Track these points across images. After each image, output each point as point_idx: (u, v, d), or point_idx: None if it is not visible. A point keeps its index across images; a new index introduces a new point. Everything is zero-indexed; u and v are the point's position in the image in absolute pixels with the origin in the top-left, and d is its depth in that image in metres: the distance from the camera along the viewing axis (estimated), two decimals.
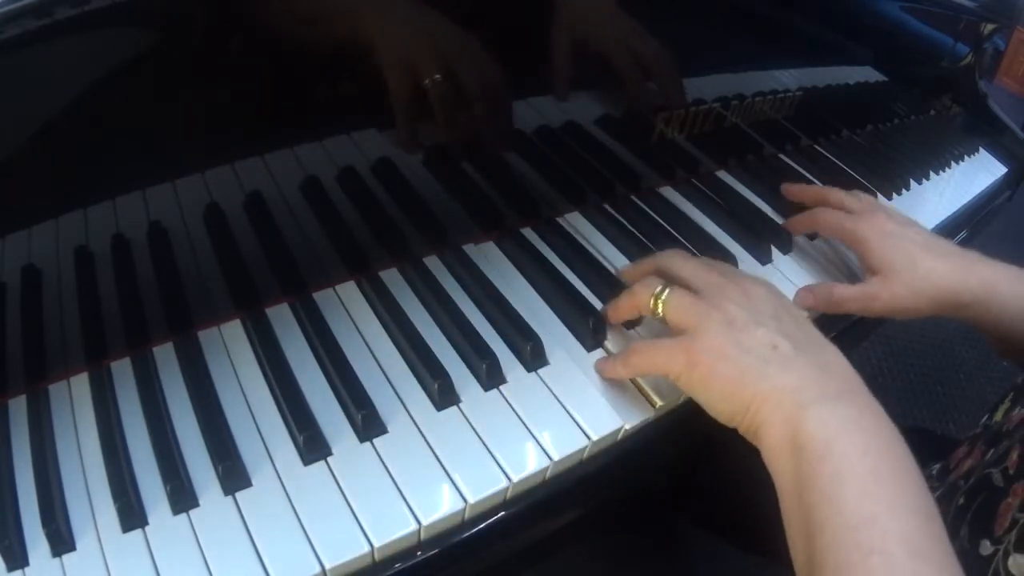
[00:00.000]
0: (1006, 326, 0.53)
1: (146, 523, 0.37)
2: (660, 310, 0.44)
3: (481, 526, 0.40)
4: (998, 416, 0.52)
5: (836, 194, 0.62)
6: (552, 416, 0.44)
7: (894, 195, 0.79)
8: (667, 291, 0.44)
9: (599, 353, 0.49)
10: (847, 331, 0.61)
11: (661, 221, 0.63)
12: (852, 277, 0.62)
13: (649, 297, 0.44)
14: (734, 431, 0.41)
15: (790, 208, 0.68)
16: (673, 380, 0.42)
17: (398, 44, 0.46)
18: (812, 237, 0.67)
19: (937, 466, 0.56)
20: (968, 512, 0.44)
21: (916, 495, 0.35)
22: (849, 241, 0.58)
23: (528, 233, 0.58)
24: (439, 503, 0.39)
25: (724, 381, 0.40)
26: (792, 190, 0.66)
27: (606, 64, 0.57)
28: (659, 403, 0.46)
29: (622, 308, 0.48)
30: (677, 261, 0.48)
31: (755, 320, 0.41)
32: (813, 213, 0.61)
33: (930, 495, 0.35)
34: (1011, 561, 0.39)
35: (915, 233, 0.56)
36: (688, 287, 0.45)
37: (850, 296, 0.54)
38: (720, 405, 0.40)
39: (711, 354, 0.40)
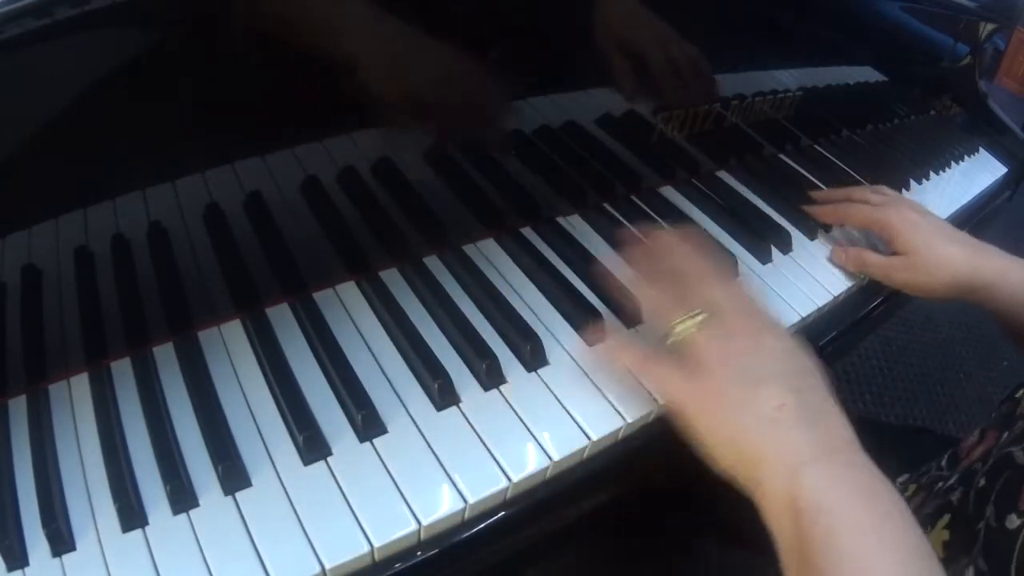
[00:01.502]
0: (1015, 313, 0.57)
1: (146, 523, 0.37)
2: (682, 331, 0.44)
3: (481, 526, 0.40)
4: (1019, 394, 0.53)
5: (859, 191, 0.68)
6: (552, 416, 0.44)
7: None
8: (700, 318, 0.44)
9: (600, 351, 0.49)
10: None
11: (661, 221, 0.63)
12: (850, 276, 0.63)
13: (680, 316, 0.44)
14: None
15: (790, 208, 0.68)
16: (674, 412, 0.43)
17: (399, 46, 0.46)
18: (813, 237, 0.67)
19: (945, 458, 0.57)
20: (992, 492, 0.45)
21: (910, 540, 0.36)
22: (876, 228, 0.63)
23: (528, 233, 0.58)
24: (439, 503, 0.39)
25: (730, 432, 0.41)
26: (821, 211, 0.67)
27: (611, 63, 0.57)
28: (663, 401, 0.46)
29: (644, 301, 0.49)
30: (709, 286, 0.46)
31: (766, 379, 0.42)
32: (840, 207, 0.66)
33: (924, 537, 0.36)
34: None
35: (934, 221, 0.62)
36: (712, 311, 0.44)
37: (876, 262, 0.61)
38: (720, 452, 0.41)
39: (722, 404, 0.41)
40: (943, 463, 0.57)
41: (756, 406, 0.40)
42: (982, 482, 0.46)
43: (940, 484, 0.52)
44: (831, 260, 0.64)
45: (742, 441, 0.40)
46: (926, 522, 0.49)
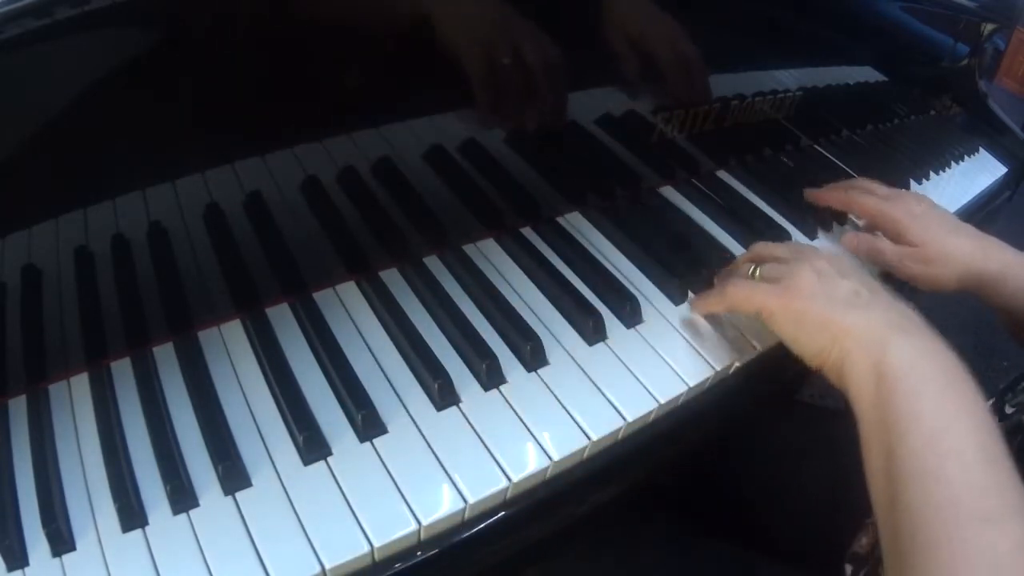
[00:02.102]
0: (1018, 308, 0.58)
1: (146, 523, 0.37)
2: (757, 271, 0.50)
3: (481, 526, 0.40)
4: None
5: (865, 181, 0.68)
6: (552, 416, 0.44)
7: None
8: (764, 267, 0.50)
9: (600, 350, 0.49)
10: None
11: (661, 221, 0.63)
12: None
13: (748, 268, 0.50)
14: (730, 436, 0.42)
15: (790, 208, 0.68)
16: (765, 318, 0.48)
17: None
18: (813, 237, 0.67)
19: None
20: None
21: (980, 410, 0.39)
22: (883, 221, 0.63)
23: (528, 233, 0.58)
24: (439, 503, 0.39)
25: (814, 318, 0.45)
26: (826, 194, 0.67)
27: (612, 62, 0.57)
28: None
29: (716, 300, 0.52)
30: (766, 245, 0.54)
31: (840, 273, 0.47)
32: (847, 194, 0.66)
33: (989, 413, 0.39)
34: None
35: (942, 214, 0.63)
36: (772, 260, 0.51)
37: (889, 252, 0.61)
38: (809, 340, 0.45)
39: (804, 295, 0.46)
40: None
41: (838, 293, 0.46)
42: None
43: None
44: (842, 245, 0.64)
45: (828, 321, 0.44)
46: None
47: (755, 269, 0.50)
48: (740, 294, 0.49)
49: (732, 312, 0.53)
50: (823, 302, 0.45)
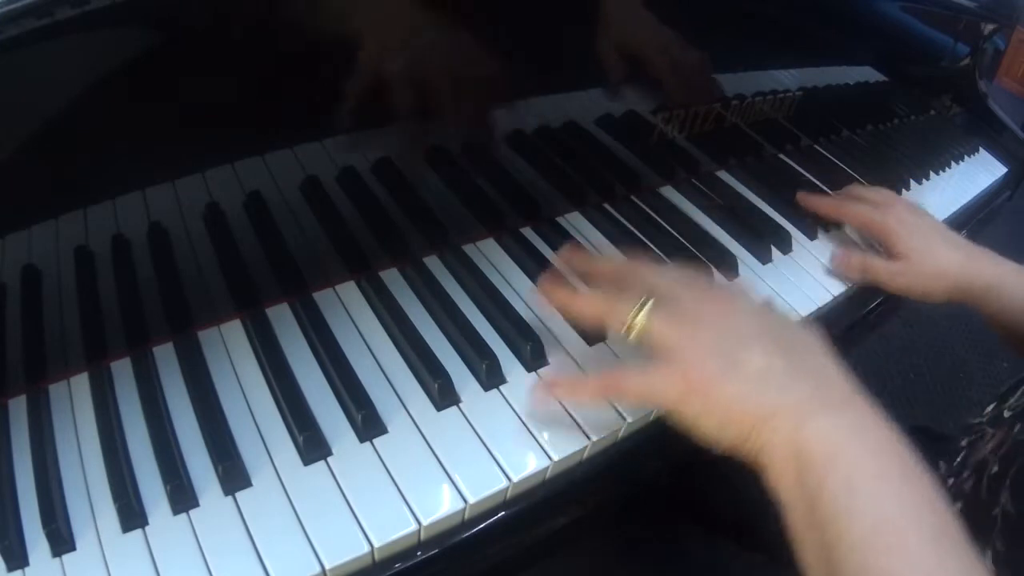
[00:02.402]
0: (1012, 318, 0.57)
1: (146, 523, 0.37)
2: (638, 326, 0.41)
3: (481, 526, 0.40)
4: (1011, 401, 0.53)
5: (859, 189, 0.68)
6: (553, 416, 0.44)
7: None
8: (648, 306, 0.41)
9: (600, 350, 0.49)
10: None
11: (661, 221, 0.63)
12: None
13: (629, 309, 0.41)
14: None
15: (790, 208, 0.68)
16: (666, 411, 0.41)
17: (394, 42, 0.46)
18: (813, 237, 0.67)
19: (943, 464, 0.57)
20: (1005, 478, 0.45)
21: (925, 490, 0.35)
22: (874, 230, 0.63)
23: (528, 233, 0.58)
24: (439, 503, 0.39)
25: (722, 409, 0.38)
26: (820, 203, 0.67)
27: (612, 62, 0.57)
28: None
29: (585, 310, 0.45)
30: (648, 273, 0.44)
31: (744, 342, 0.39)
32: (839, 203, 0.66)
33: (937, 487, 0.35)
34: None
35: (932, 224, 0.62)
36: (658, 294, 0.42)
37: (879, 268, 0.60)
38: (719, 433, 0.39)
39: (706, 382, 0.38)
40: (940, 468, 0.57)
41: (741, 373, 0.38)
42: (995, 468, 0.47)
43: (952, 480, 0.52)
44: (832, 268, 0.63)
45: (737, 412, 0.38)
46: None
47: (643, 305, 0.41)
48: (632, 389, 0.41)
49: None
50: (729, 390, 0.38)
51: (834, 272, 0.63)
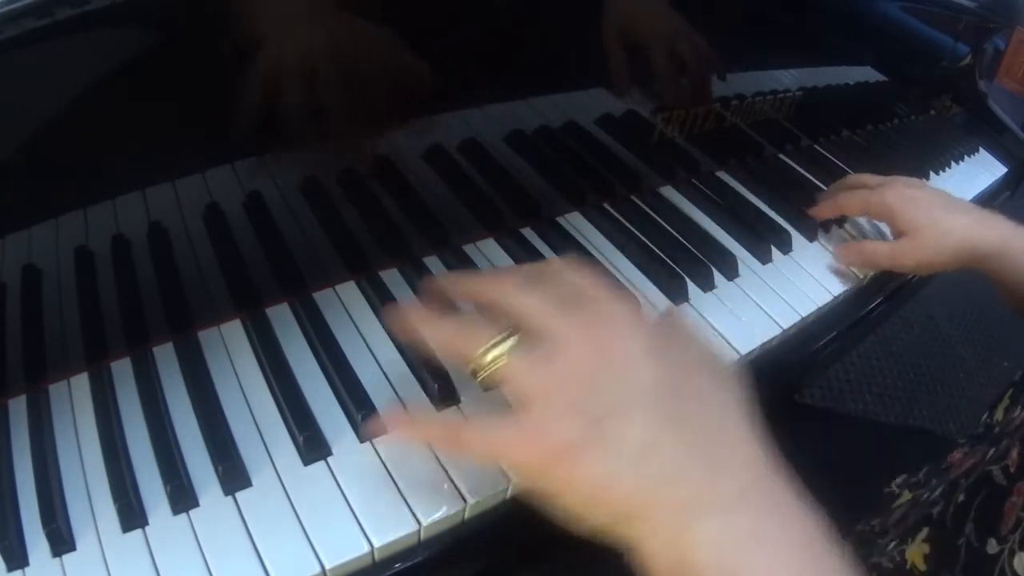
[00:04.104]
0: (1017, 281, 0.56)
1: (146, 523, 0.37)
2: (485, 368, 0.32)
3: (481, 526, 0.40)
4: (998, 415, 0.53)
5: (854, 177, 0.68)
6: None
7: None
8: (508, 344, 0.32)
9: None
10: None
11: (661, 221, 0.63)
12: (849, 275, 0.63)
13: (480, 345, 0.33)
14: None
15: (790, 208, 0.68)
16: (516, 478, 0.35)
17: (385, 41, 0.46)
18: (812, 238, 0.67)
19: (925, 469, 0.56)
20: (971, 509, 0.44)
21: None
22: (876, 212, 0.62)
23: (528, 233, 0.58)
24: (439, 503, 0.39)
25: (588, 488, 0.30)
26: (820, 208, 0.66)
27: (612, 62, 0.57)
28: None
29: (436, 344, 0.37)
30: (519, 295, 0.34)
31: (624, 403, 0.30)
32: (837, 198, 0.65)
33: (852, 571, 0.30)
34: (1016, 560, 0.39)
35: (933, 194, 0.61)
36: (528, 331, 0.33)
37: (882, 252, 0.61)
38: (581, 514, 0.31)
39: (562, 453, 0.30)
40: (920, 476, 0.56)
41: (611, 446, 0.30)
42: (961, 498, 0.46)
43: (926, 495, 0.52)
44: (837, 263, 0.63)
45: (605, 495, 0.30)
46: (907, 534, 0.48)
47: (500, 341, 0.32)
48: (478, 448, 0.34)
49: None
50: (597, 466, 0.30)
51: (840, 265, 0.62)
